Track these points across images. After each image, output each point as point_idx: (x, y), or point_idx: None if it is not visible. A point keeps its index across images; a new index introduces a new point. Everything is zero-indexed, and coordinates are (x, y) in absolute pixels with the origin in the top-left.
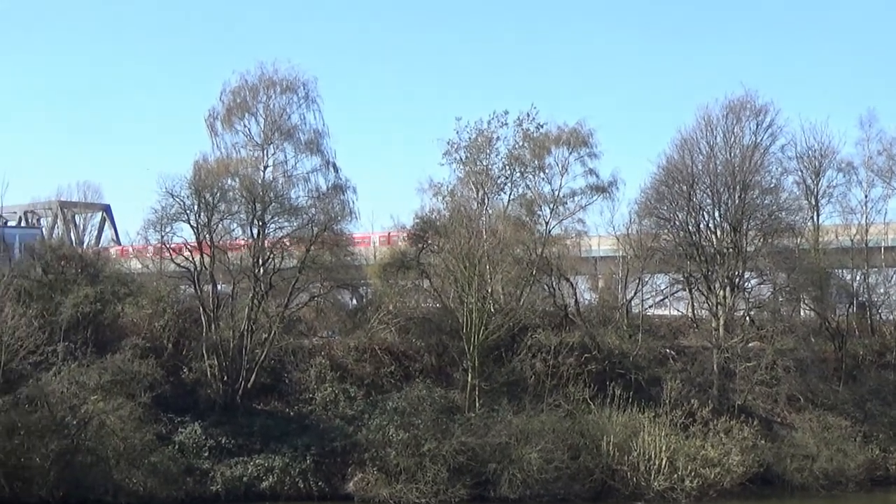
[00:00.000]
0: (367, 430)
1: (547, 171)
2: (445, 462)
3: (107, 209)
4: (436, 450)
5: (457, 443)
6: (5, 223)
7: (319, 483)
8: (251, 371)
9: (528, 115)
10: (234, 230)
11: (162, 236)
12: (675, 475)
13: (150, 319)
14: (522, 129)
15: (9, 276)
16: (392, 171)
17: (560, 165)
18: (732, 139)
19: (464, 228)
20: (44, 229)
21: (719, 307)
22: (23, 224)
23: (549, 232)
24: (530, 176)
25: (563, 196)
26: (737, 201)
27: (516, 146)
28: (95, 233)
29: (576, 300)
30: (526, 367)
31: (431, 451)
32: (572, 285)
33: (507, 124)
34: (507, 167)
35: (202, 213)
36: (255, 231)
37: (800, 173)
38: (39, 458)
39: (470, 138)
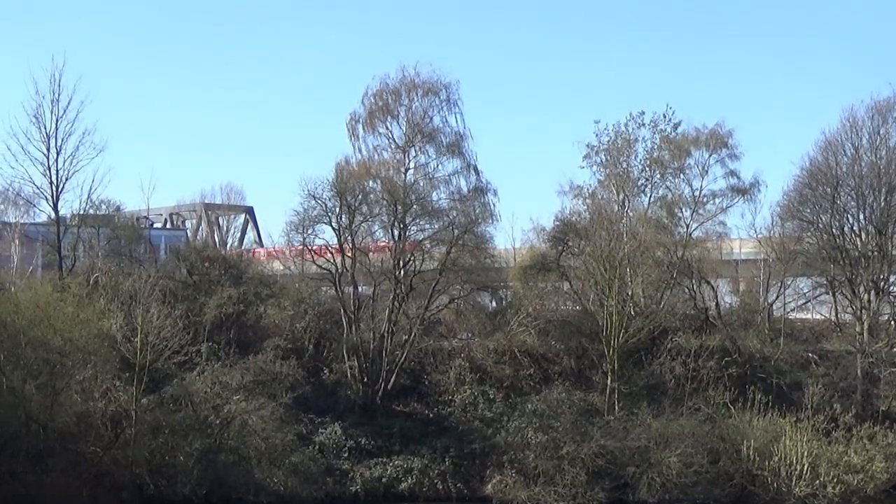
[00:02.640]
0: (506, 433)
1: (687, 172)
2: (584, 465)
3: (250, 211)
4: (574, 453)
5: (595, 446)
6: (151, 225)
7: (458, 485)
8: (391, 372)
9: (664, 116)
10: (375, 232)
11: (304, 238)
12: (817, 481)
13: (292, 321)
14: (659, 131)
15: (155, 278)
16: (531, 173)
17: (700, 167)
18: (878, 140)
19: (604, 231)
20: (188, 231)
21: (863, 311)
22: (168, 226)
23: (690, 234)
24: (670, 178)
25: (704, 198)
26: (882, 204)
27: (655, 148)
28: (238, 234)
29: (716, 303)
30: (666, 370)
31: (570, 454)
32: (713, 288)
33: (644, 125)
34: (647, 169)
35: (344, 216)
36: (396, 233)
37: None
38: (183, 457)
39: (609, 141)
